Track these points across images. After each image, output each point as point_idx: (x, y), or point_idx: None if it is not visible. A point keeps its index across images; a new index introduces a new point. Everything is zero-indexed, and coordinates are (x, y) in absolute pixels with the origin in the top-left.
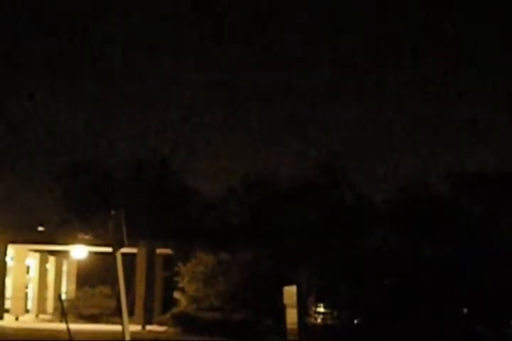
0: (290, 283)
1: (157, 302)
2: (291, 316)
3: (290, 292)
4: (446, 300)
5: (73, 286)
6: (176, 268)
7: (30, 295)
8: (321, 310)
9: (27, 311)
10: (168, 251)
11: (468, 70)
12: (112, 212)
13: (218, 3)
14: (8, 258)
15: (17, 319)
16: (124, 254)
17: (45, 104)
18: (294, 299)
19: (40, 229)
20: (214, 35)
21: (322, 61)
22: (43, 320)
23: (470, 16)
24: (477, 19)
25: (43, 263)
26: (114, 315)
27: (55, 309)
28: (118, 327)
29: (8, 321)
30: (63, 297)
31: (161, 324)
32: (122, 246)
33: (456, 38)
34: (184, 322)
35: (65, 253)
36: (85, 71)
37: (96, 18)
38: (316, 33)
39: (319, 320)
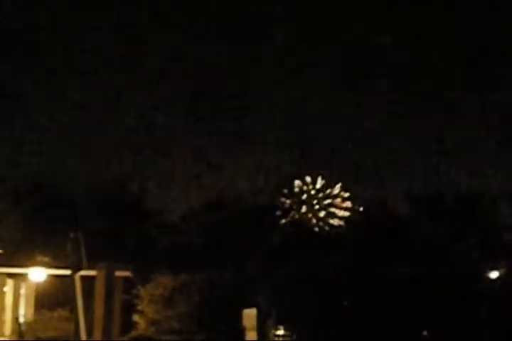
0: (250, 305)
1: (116, 325)
2: (251, 339)
3: (250, 314)
4: (407, 322)
5: (31, 309)
6: (135, 291)
7: None
8: (281, 332)
9: None
10: (127, 273)
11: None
12: (71, 235)
13: None
14: None
15: None
16: (82, 277)
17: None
18: (254, 321)
19: None
20: None
21: None
22: None
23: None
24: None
25: (0, 286)
26: (72, 338)
27: (13, 332)
28: None
29: None
30: (21, 320)
31: None
32: (81, 268)
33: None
34: None
35: (23, 275)
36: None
37: None
38: None
39: None
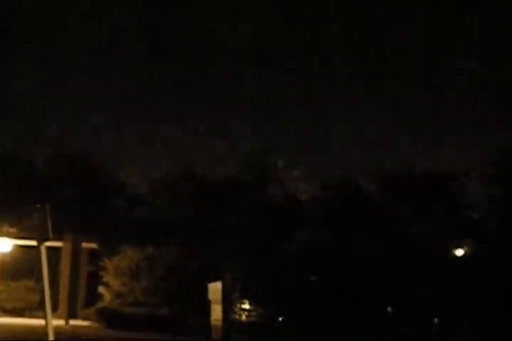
0: (215, 279)
1: (81, 297)
2: (216, 312)
3: (215, 288)
4: (371, 299)
5: None
6: (101, 263)
7: None
8: (246, 306)
9: None
10: (94, 245)
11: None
12: (38, 205)
13: None
14: None
15: None
16: (49, 248)
17: None
18: (219, 295)
19: None
20: None
21: None
22: None
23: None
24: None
25: None
26: (37, 308)
27: None
28: (41, 321)
29: None
30: None
31: (84, 318)
32: (47, 239)
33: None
34: (108, 316)
35: None
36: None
37: None
38: None
39: (244, 317)
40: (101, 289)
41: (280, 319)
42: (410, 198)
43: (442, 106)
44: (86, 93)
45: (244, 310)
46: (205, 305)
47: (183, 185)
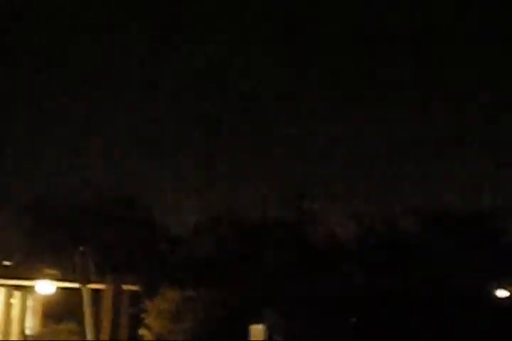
0: (256, 321)
1: (122, 339)
2: None
3: (257, 330)
4: (415, 338)
5: (38, 322)
6: (142, 305)
7: None
8: None
9: None
10: (134, 287)
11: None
12: (80, 248)
13: None
14: None
15: None
16: (90, 290)
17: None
18: (261, 337)
19: (6, 263)
20: None
21: None
22: None
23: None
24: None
25: (7, 298)
26: None
27: None
28: None
29: None
30: (27, 332)
31: None
32: (89, 282)
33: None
34: None
35: (30, 288)
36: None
37: None
38: None
39: None
40: (142, 331)
41: None
42: (452, 237)
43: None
44: (131, 138)
45: None
46: None
47: (222, 227)
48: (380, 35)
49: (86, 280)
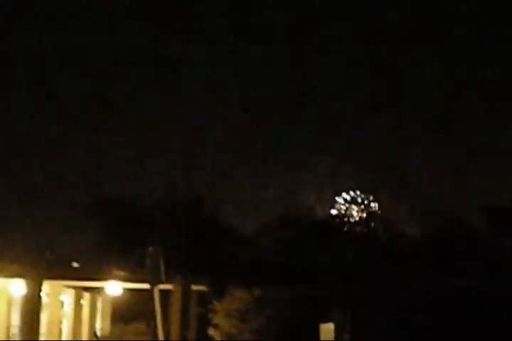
0: (324, 320)
1: (192, 339)
2: None
3: (327, 329)
4: (483, 336)
5: (107, 323)
6: (210, 305)
7: (64, 331)
8: None
9: None
10: (202, 287)
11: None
12: (150, 249)
13: None
14: (43, 294)
15: None
16: (159, 291)
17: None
18: (332, 336)
19: (75, 265)
20: None
21: None
22: None
23: None
24: None
25: (77, 299)
26: None
27: None
28: None
29: None
30: (98, 333)
31: None
32: (160, 282)
33: None
34: None
35: (99, 289)
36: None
37: None
38: None
39: None
40: (211, 331)
41: None
42: None
43: None
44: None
45: None
46: None
47: (286, 227)
48: None
49: (157, 281)
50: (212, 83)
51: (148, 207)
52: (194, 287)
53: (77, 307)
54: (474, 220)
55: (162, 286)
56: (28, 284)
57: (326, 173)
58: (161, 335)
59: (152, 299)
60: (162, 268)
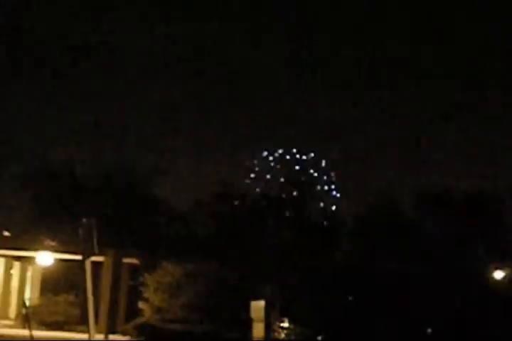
0: (255, 297)
1: (121, 312)
2: (258, 330)
3: (258, 306)
4: (410, 319)
5: (37, 293)
6: (142, 278)
7: None
8: (285, 325)
9: None
10: (134, 260)
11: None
12: (84, 220)
13: None
14: None
15: None
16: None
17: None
18: (262, 313)
19: (6, 234)
20: None
21: None
22: (5, 326)
23: None
24: None
25: (7, 268)
26: (77, 323)
27: (18, 315)
28: (81, 336)
29: None
30: (27, 303)
31: (124, 333)
32: (92, 254)
33: None
34: (147, 332)
35: (30, 259)
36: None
37: None
38: None
39: (283, 335)
40: (141, 304)
41: (319, 338)
42: (450, 219)
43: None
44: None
45: (284, 328)
46: (244, 323)
47: (221, 203)
48: None
49: (90, 253)
50: None
51: (84, 178)
52: (126, 259)
53: (7, 276)
54: (404, 203)
55: (94, 258)
56: None
57: None
58: (90, 307)
59: (83, 270)
60: (95, 239)
